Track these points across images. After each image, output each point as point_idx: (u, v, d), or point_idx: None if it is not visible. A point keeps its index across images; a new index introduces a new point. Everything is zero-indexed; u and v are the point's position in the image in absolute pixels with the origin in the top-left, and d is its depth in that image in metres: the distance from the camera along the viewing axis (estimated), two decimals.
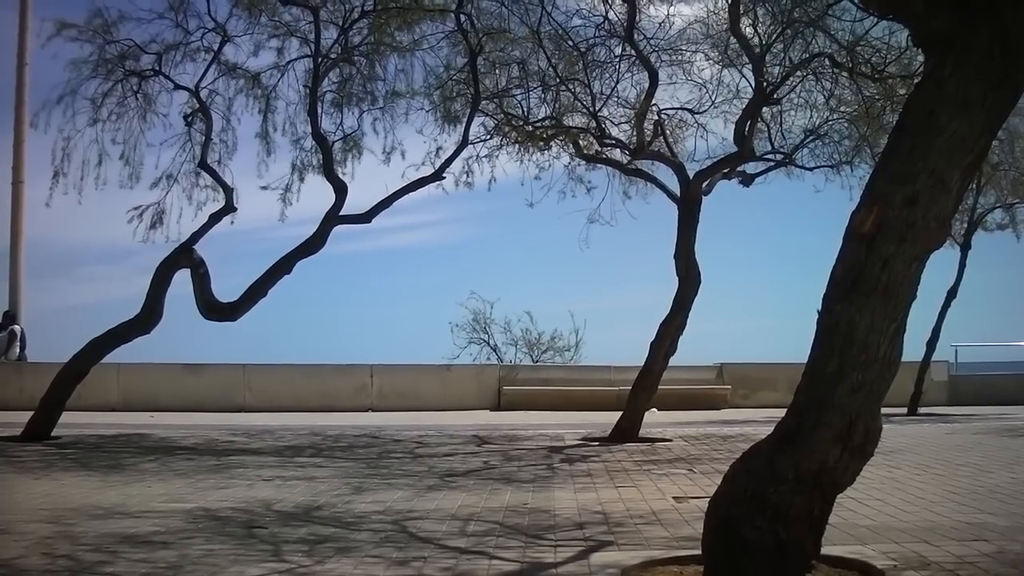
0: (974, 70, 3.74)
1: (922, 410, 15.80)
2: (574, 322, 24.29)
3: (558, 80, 11.87)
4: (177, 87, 11.86)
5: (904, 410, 15.39)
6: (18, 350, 19.02)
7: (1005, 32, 3.71)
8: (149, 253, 11.86)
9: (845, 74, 11.47)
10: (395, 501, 6.64)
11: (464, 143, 12.14)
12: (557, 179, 13.12)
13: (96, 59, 11.37)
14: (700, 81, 12.30)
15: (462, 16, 11.43)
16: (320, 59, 11.68)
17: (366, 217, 12.31)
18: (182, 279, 11.70)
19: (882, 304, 3.75)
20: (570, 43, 11.69)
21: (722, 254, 34.51)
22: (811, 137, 12.75)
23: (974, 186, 14.63)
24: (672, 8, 11.67)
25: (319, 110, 11.87)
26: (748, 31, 11.01)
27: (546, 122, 12.55)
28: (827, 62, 11.42)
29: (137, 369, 17.00)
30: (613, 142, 12.43)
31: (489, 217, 44.13)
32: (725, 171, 12.29)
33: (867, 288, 3.75)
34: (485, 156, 12.85)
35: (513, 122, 12.61)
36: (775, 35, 11.08)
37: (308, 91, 11.82)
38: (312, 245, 11.86)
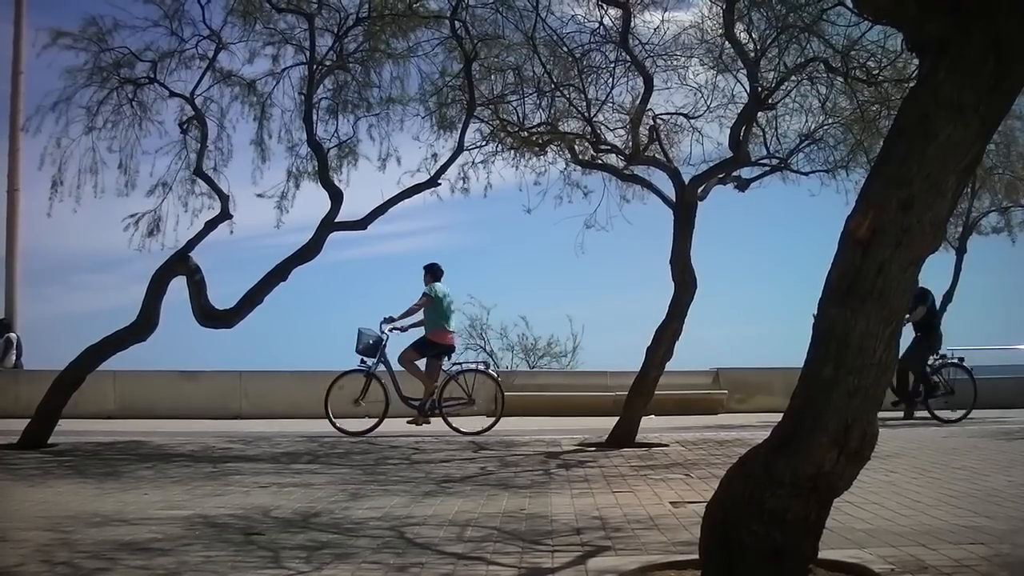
0: (968, 75, 3.76)
1: (918, 414, 15.79)
2: (572, 327, 24.31)
3: (553, 86, 11.87)
4: (172, 94, 11.84)
5: (900, 414, 15.40)
6: (14, 358, 19.01)
7: (998, 37, 3.73)
8: (145, 261, 11.85)
9: (840, 79, 11.48)
10: (392, 507, 6.64)
11: (459, 149, 12.14)
12: (553, 185, 13.15)
13: (91, 67, 11.33)
14: (695, 86, 12.31)
15: (457, 23, 11.43)
16: (315, 66, 11.69)
17: (362, 224, 12.31)
18: (178, 286, 11.71)
19: (877, 308, 3.77)
20: (565, 49, 11.69)
21: (718, 259, 34.59)
22: (806, 142, 12.76)
23: (969, 190, 14.66)
24: (666, 14, 11.69)
25: (314, 117, 11.87)
26: (743, 36, 11.01)
27: (541, 128, 12.56)
28: (822, 67, 11.42)
29: (133, 376, 16.97)
30: (609, 147, 12.43)
31: (485, 223, 44.18)
32: (720, 176, 12.29)
33: (862, 292, 3.77)
34: (481, 162, 12.88)
35: (508, 128, 12.62)
36: (770, 40, 11.09)
37: (303, 98, 11.82)
38: (308, 252, 11.85)
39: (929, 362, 14.49)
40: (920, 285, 13.91)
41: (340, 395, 12.91)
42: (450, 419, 12.86)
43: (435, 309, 13.15)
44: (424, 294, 13.19)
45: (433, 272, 13.38)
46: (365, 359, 12.95)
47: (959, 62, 3.77)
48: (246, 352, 23.08)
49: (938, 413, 14.28)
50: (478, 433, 12.51)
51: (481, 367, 13.53)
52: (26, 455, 9.95)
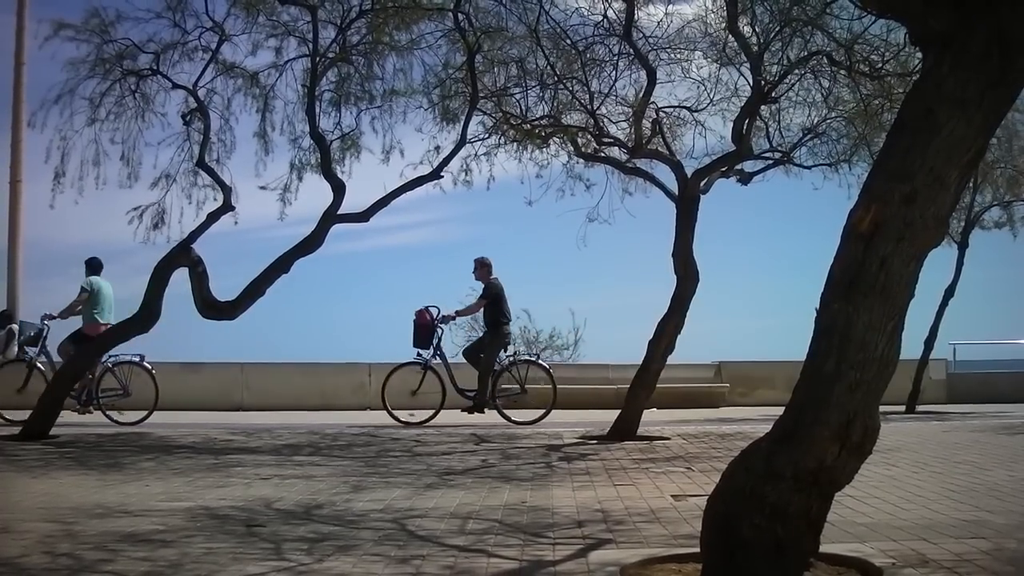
0: (972, 69, 3.75)
1: (920, 408, 15.82)
2: (574, 320, 24.27)
3: (556, 78, 11.87)
4: (175, 86, 11.83)
5: (902, 408, 15.41)
6: (16, 349, 19.00)
7: (1002, 31, 3.72)
8: (147, 253, 11.85)
9: (843, 72, 11.47)
10: (394, 499, 6.65)
11: (462, 142, 12.13)
12: (556, 177, 13.14)
13: (94, 59, 11.32)
14: (698, 79, 12.30)
15: (460, 15, 11.41)
16: (318, 58, 11.67)
17: (364, 216, 12.30)
18: (180, 278, 11.71)
19: (880, 303, 3.76)
20: (568, 42, 11.69)
21: (720, 252, 34.58)
22: (809, 135, 12.74)
23: (971, 185, 14.63)
24: (670, 7, 11.69)
25: (317, 109, 11.85)
26: (746, 30, 11.01)
27: (544, 120, 12.55)
28: (825, 60, 11.42)
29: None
30: (611, 140, 12.43)
31: (487, 216, 44.21)
32: (723, 169, 12.27)
33: (865, 287, 3.76)
34: (483, 154, 12.87)
35: (511, 120, 12.61)
36: (773, 33, 11.08)
37: (306, 90, 11.80)
38: (310, 244, 11.85)
39: (499, 359, 13.85)
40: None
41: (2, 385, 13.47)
42: (108, 411, 13.19)
43: (91, 302, 13.39)
44: (83, 288, 13.40)
45: (92, 266, 13.57)
46: (28, 350, 13.45)
47: (963, 56, 3.77)
48: (248, 344, 23.07)
49: (508, 414, 13.63)
50: (134, 424, 12.79)
51: (136, 359, 13.52)
52: (28, 446, 9.98)
